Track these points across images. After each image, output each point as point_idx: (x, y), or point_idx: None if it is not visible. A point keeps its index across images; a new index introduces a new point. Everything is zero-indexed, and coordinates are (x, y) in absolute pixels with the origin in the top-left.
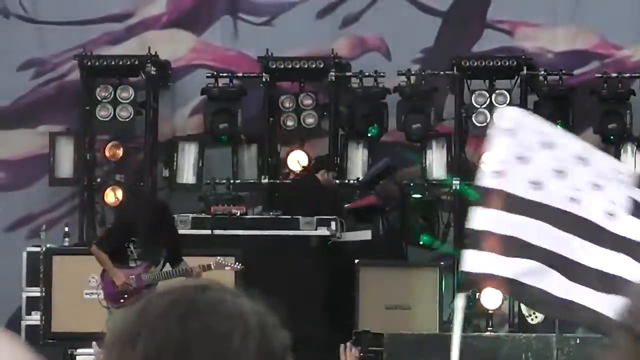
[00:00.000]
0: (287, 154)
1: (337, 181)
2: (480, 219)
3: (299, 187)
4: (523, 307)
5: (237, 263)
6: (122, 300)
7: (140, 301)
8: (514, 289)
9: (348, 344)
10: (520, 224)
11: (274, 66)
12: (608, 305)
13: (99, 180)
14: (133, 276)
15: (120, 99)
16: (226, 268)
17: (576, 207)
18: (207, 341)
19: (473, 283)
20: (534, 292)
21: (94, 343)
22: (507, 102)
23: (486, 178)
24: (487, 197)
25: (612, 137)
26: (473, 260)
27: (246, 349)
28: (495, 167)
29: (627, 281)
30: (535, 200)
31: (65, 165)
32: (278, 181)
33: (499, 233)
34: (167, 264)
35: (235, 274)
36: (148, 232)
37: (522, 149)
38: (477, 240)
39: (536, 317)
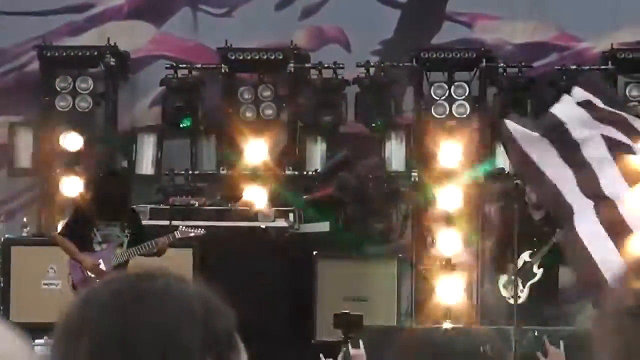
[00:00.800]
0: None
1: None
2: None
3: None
4: (501, 288)
5: (200, 229)
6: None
7: (82, 293)
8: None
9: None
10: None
11: (233, 57)
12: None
13: (57, 170)
14: (101, 259)
15: (79, 90)
16: (190, 234)
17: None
18: (151, 330)
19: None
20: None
21: (45, 338)
22: (466, 94)
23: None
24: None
25: None
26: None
27: (191, 335)
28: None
29: None
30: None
31: (24, 155)
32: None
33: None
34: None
35: (194, 266)
36: (109, 209)
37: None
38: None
39: (519, 297)
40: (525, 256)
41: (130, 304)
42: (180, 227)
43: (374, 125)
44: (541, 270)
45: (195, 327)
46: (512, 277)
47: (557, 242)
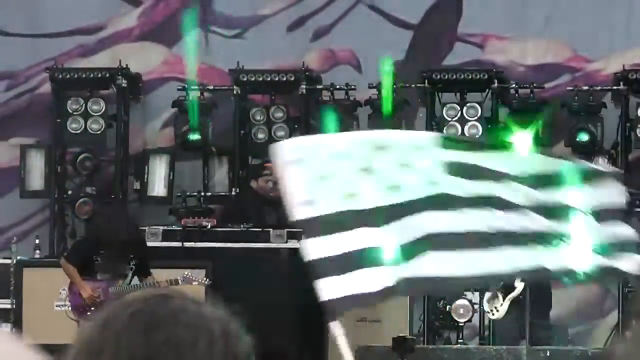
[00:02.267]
0: (259, 167)
1: (272, 184)
2: (313, 249)
3: (237, 201)
4: (485, 303)
5: (205, 278)
6: (89, 313)
7: (101, 314)
8: (378, 296)
9: None
10: (349, 238)
11: (244, 79)
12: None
13: (69, 192)
14: (100, 289)
15: (91, 112)
16: (194, 283)
17: (395, 194)
18: (171, 352)
19: (337, 310)
20: (401, 284)
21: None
22: (478, 115)
23: (299, 211)
24: (307, 228)
25: (583, 150)
26: (328, 289)
27: (211, 357)
28: (302, 197)
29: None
30: (356, 208)
31: (36, 177)
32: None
33: (333, 255)
34: (135, 278)
35: (206, 287)
36: (117, 245)
37: (318, 168)
38: (321, 268)
39: (497, 311)
40: None
41: (149, 325)
42: (186, 273)
43: None
44: (522, 284)
45: (214, 349)
46: (495, 292)
47: None
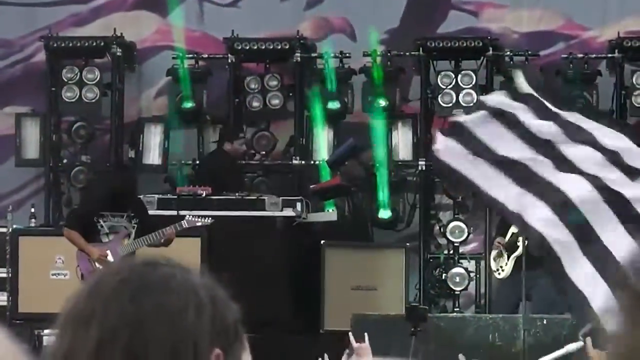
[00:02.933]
0: (253, 135)
1: (245, 148)
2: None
3: (210, 163)
4: (491, 261)
5: (207, 217)
6: None
7: (89, 281)
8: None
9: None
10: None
11: (239, 47)
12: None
13: (65, 161)
14: (108, 250)
15: (86, 81)
16: (197, 224)
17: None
18: (161, 318)
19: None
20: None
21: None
22: (473, 82)
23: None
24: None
25: None
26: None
27: (200, 323)
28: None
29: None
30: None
31: (31, 146)
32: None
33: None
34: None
35: (201, 256)
36: (116, 203)
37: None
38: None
39: (503, 270)
40: (514, 227)
41: (137, 292)
42: (187, 216)
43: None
44: (526, 242)
45: (203, 316)
46: (500, 250)
47: None
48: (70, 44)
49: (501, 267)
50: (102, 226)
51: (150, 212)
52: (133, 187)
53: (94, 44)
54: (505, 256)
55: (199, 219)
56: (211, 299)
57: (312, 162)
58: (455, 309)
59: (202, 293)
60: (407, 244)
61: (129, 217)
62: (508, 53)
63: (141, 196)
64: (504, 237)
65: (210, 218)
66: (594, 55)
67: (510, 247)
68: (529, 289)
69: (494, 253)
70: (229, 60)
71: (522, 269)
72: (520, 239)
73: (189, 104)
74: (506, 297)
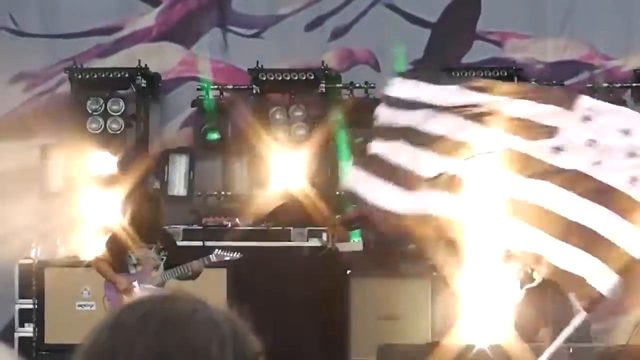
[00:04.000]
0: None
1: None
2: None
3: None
4: None
5: (235, 252)
6: None
7: (108, 316)
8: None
9: None
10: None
11: (264, 78)
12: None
13: (90, 192)
14: (136, 281)
15: (110, 112)
16: (226, 258)
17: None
18: (185, 352)
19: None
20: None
21: None
22: None
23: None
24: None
25: None
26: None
27: (223, 357)
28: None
29: None
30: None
31: (56, 177)
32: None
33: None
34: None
35: (227, 287)
36: (144, 235)
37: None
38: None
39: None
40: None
41: (162, 326)
42: (216, 250)
43: None
44: (539, 276)
45: (226, 349)
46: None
47: None
48: (95, 75)
49: None
50: (130, 257)
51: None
52: (160, 214)
53: (119, 75)
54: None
55: (228, 254)
56: (233, 333)
57: (337, 192)
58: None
59: (225, 327)
60: (434, 273)
61: (157, 249)
62: (533, 83)
63: (166, 227)
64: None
65: (239, 253)
66: (618, 85)
67: (524, 280)
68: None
69: None
70: (254, 91)
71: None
72: (536, 270)
73: (214, 135)
74: (526, 325)
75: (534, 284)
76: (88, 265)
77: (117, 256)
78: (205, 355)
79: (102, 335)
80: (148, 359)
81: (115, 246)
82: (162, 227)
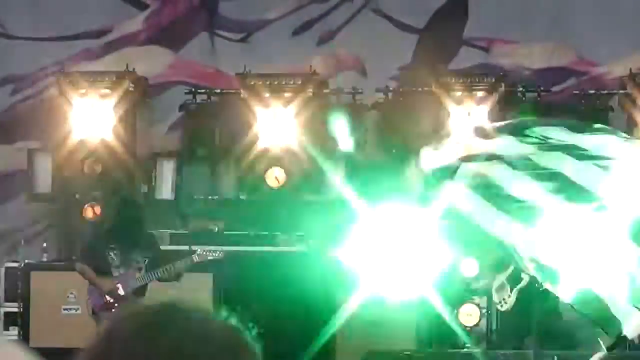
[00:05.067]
0: (265, 171)
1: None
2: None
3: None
4: (493, 293)
5: (218, 252)
6: (113, 310)
7: (106, 324)
8: None
9: None
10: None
11: (251, 82)
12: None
13: (77, 196)
14: (119, 283)
15: (98, 115)
16: (209, 257)
17: None
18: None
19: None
20: None
21: None
22: (486, 118)
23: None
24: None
25: None
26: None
27: None
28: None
29: None
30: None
31: (43, 181)
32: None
33: None
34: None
35: (213, 291)
36: (127, 237)
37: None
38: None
39: (506, 303)
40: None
41: (156, 335)
42: (198, 250)
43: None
44: (527, 276)
45: (223, 356)
46: (503, 282)
47: None
48: (82, 79)
49: (504, 299)
50: (113, 259)
51: (163, 247)
52: (143, 217)
53: (107, 78)
54: (508, 288)
55: (210, 253)
56: (229, 343)
57: (324, 197)
58: (467, 345)
59: (220, 336)
60: None
61: (140, 250)
62: (520, 89)
63: (153, 231)
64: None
65: (221, 252)
66: (605, 91)
67: (513, 279)
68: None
69: (496, 284)
70: (242, 96)
71: (527, 302)
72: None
73: (201, 139)
74: (511, 330)
75: (523, 283)
76: (72, 268)
77: (99, 258)
78: None
79: (99, 344)
80: None
81: (97, 248)
82: (145, 228)
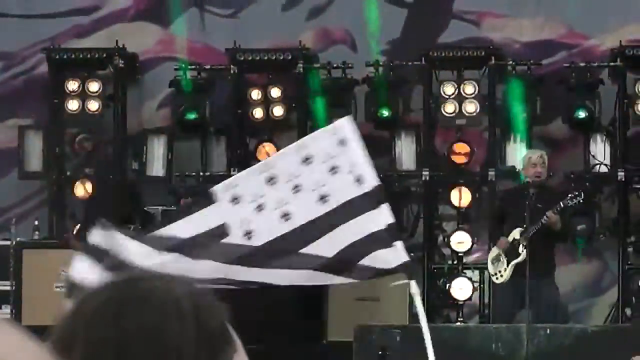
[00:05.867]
0: (256, 146)
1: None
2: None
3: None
4: (489, 264)
5: None
6: None
7: (74, 302)
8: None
9: None
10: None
11: (242, 58)
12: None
13: (68, 173)
14: None
15: (88, 92)
16: None
17: None
18: (142, 333)
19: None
20: None
21: None
22: (476, 92)
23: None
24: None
25: (580, 127)
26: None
27: (183, 334)
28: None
29: None
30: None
31: (34, 158)
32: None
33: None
34: None
35: None
36: (122, 214)
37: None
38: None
39: (501, 276)
40: (516, 233)
41: (118, 310)
42: None
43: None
44: (524, 252)
45: (185, 325)
46: (499, 253)
47: (545, 223)
48: (73, 56)
49: (499, 272)
50: None
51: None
52: (138, 194)
53: (97, 55)
54: (505, 261)
55: None
56: (193, 308)
57: None
58: (459, 319)
59: (184, 301)
60: (411, 254)
61: (136, 228)
62: (510, 62)
63: (145, 208)
64: (501, 236)
65: None
66: (596, 64)
67: (510, 253)
68: (530, 297)
69: (492, 255)
70: (232, 71)
71: (523, 276)
72: (522, 245)
73: (192, 115)
74: (506, 304)
75: (520, 259)
76: (64, 246)
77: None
78: (160, 335)
79: (64, 323)
80: (105, 342)
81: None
82: (140, 206)
